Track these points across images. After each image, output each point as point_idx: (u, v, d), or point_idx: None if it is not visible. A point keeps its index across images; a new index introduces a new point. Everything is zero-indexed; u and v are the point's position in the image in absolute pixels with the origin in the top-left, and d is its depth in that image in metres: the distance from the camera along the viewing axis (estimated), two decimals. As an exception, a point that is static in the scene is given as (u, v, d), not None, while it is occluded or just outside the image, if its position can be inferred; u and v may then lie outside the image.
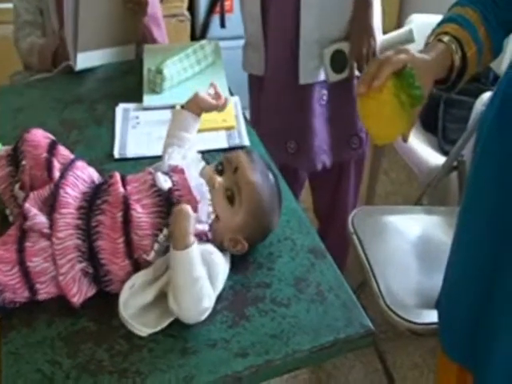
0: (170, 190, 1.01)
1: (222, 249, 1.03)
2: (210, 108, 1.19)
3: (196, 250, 0.94)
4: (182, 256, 0.93)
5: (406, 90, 1.01)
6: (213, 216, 1.01)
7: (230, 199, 1.03)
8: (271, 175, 1.08)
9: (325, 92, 1.76)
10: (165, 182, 1.02)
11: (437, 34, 1.11)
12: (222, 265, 1.00)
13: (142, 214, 0.99)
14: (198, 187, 1.02)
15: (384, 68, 1.00)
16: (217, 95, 1.19)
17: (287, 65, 1.73)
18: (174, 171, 1.05)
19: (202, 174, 1.07)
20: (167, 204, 1.00)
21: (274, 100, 1.82)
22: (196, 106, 1.19)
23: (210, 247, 1.00)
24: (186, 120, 1.18)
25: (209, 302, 0.94)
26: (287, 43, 1.71)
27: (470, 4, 1.13)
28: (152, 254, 0.97)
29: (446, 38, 1.08)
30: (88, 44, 1.62)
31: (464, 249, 1.29)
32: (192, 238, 0.94)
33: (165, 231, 0.98)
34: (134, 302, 0.95)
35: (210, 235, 1.01)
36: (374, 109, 1.02)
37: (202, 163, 1.11)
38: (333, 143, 1.84)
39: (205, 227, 1.00)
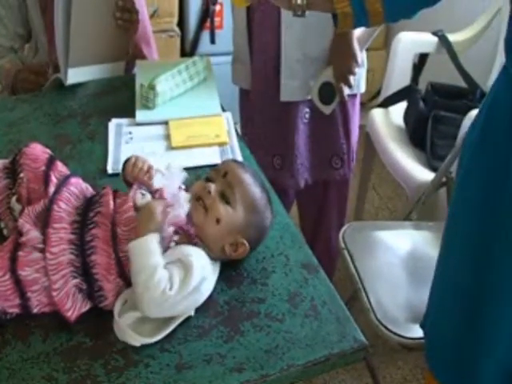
0: None
1: (220, 257, 1.05)
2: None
3: (151, 240, 0.96)
4: (131, 246, 0.96)
5: None
6: (213, 220, 1.03)
7: (226, 200, 1.05)
8: (259, 178, 1.12)
9: (307, 110, 1.77)
10: (142, 200, 1.03)
11: None
12: (200, 267, 0.98)
13: (126, 229, 1.00)
14: (173, 194, 1.03)
15: None
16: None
17: (270, 80, 1.73)
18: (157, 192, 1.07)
19: (192, 189, 1.08)
20: None
21: (259, 114, 1.83)
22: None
23: (190, 249, 1.00)
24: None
25: (161, 294, 0.93)
26: (270, 59, 1.72)
27: None
28: None
29: None
30: (79, 60, 1.62)
31: (448, 270, 1.30)
32: (149, 231, 0.96)
33: None
34: (127, 315, 0.96)
35: (192, 231, 1.02)
36: None
37: (184, 173, 1.10)
38: (315, 161, 1.85)
39: (182, 220, 1.01)
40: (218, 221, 1.03)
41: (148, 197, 1.04)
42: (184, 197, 1.03)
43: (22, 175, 1.08)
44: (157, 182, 1.11)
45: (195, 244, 1.02)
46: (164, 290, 0.93)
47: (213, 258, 1.03)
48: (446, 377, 1.34)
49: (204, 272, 0.99)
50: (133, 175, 1.11)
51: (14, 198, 1.07)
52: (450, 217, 1.28)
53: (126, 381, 0.90)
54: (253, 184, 1.08)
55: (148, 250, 0.95)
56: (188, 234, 1.03)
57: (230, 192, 1.05)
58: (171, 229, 1.00)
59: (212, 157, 1.38)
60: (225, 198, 1.05)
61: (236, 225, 1.04)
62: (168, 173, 1.10)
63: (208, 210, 1.04)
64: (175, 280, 0.95)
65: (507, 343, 1.21)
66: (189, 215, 1.02)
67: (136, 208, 1.02)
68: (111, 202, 1.02)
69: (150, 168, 1.11)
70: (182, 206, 1.01)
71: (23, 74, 1.80)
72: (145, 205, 1.01)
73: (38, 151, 1.11)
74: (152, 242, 0.96)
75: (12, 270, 0.96)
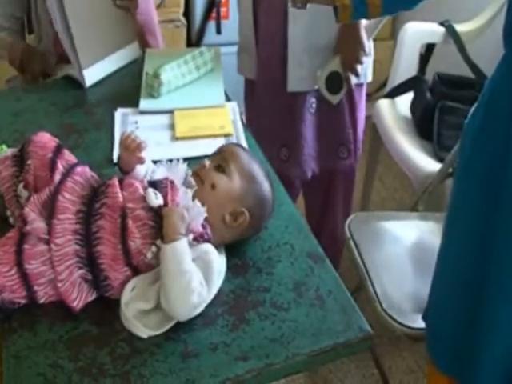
0: (160, 208, 1.01)
1: (222, 233, 1.06)
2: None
3: (185, 243, 0.96)
4: (169, 249, 0.95)
5: None
6: (209, 188, 1.06)
7: (221, 170, 1.08)
8: (256, 158, 1.14)
9: (314, 100, 1.76)
10: (156, 200, 1.02)
11: None
12: (218, 264, 1.01)
13: (135, 225, 1.00)
14: (187, 205, 1.03)
15: None
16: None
17: (276, 70, 1.73)
18: (167, 187, 1.05)
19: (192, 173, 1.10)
20: (158, 219, 1.00)
21: (265, 105, 1.83)
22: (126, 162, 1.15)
23: (207, 246, 1.01)
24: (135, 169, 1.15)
25: (198, 298, 0.94)
26: (276, 49, 1.71)
27: None
28: (149, 255, 0.98)
29: None
30: (90, 58, 1.60)
31: (449, 260, 1.30)
32: (180, 235, 0.96)
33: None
34: (135, 306, 0.96)
35: (209, 232, 1.02)
36: None
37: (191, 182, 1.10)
38: (321, 151, 1.85)
39: (199, 229, 1.01)
40: (212, 186, 1.05)
41: (160, 198, 1.03)
42: (199, 205, 1.02)
43: (29, 162, 1.08)
44: (160, 173, 1.12)
45: (209, 241, 1.03)
46: (201, 294, 0.95)
47: (216, 246, 1.03)
48: (446, 367, 1.34)
49: (220, 267, 1.02)
50: (125, 144, 1.12)
51: (20, 185, 1.07)
52: (451, 207, 1.28)
53: (131, 369, 0.90)
54: (249, 158, 1.11)
55: (183, 253, 0.95)
56: (207, 238, 1.03)
57: (225, 164, 1.08)
58: (191, 236, 1.00)
59: (217, 146, 1.37)
60: (220, 169, 1.08)
61: (233, 192, 1.06)
62: (171, 165, 1.12)
63: (203, 181, 1.06)
64: (204, 282, 0.96)
65: (506, 334, 1.21)
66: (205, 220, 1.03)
67: (149, 208, 1.01)
68: (120, 195, 1.02)
69: (141, 142, 1.12)
70: (199, 214, 1.01)
71: (32, 50, 1.79)
72: (169, 209, 1.00)
73: (46, 139, 1.12)
74: (185, 244, 0.96)
75: (18, 263, 0.96)
